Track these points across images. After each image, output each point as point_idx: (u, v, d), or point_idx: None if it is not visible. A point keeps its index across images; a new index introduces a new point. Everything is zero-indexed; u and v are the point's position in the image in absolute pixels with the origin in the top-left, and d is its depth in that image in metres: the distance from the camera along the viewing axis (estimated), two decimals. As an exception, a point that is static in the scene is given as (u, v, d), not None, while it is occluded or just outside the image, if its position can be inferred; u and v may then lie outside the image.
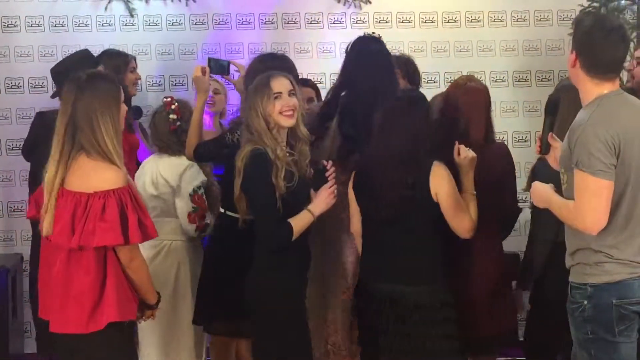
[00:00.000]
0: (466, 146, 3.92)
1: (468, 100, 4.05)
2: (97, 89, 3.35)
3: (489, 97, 4.14)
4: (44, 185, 3.37)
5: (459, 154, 3.88)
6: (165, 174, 4.25)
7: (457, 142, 3.90)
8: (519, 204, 4.21)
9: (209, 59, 4.48)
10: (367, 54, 4.33)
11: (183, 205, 4.23)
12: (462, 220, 3.80)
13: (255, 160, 3.74)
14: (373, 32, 4.55)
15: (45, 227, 3.33)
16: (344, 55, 4.48)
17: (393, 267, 3.81)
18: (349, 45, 4.43)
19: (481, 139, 4.02)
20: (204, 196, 4.26)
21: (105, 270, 3.33)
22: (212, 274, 4.26)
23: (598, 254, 3.26)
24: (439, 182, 3.78)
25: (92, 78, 3.40)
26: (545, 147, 3.51)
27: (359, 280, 3.99)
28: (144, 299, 3.49)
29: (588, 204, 3.18)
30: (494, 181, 3.97)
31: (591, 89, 3.28)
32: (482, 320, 3.95)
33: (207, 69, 4.35)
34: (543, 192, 3.43)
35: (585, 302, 3.30)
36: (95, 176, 3.28)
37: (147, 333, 4.29)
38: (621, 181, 3.21)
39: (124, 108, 3.47)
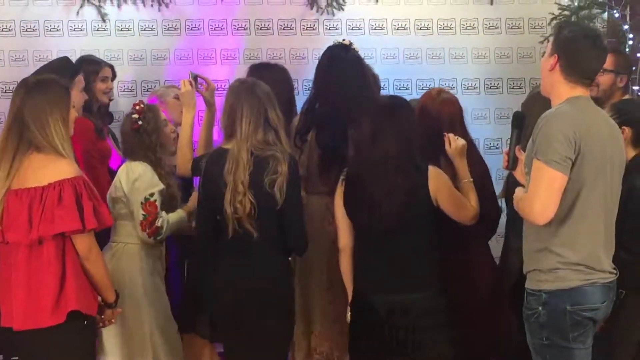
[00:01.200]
0: (447, 154, 4.00)
1: (445, 111, 4.13)
2: (47, 91, 3.49)
3: (461, 106, 4.22)
4: None
5: (449, 145, 3.93)
6: (121, 178, 4.26)
7: (445, 134, 3.99)
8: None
9: (193, 73, 4.48)
10: (337, 63, 4.36)
11: (136, 214, 4.22)
12: (465, 213, 3.87)
13: (297, 168, 3.81)
14: (343, 40, 4.56)
15: None
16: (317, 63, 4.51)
17: (396, 276, 3.80)
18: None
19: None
20: (157, 203, 4.22)
21: (64, 264, 3.43)
22: (197, 281, 4.29)
23: (552, 258, 3.34)
24: (438, 185, 3.81)
25: (42, 82, 3.55)
26: (512, 163, 3.59)
27: (355, 293, 3.95)
28: (102, 295, 3.59)
29: (539, 193, 3.26)
30: (476, 185, 4.03)
31: (565, 92, 3.39)
32: (478, 326, 4.00)
33: (194, 83, 4.38)
34: (516, 193, 3.50)
35: (540, 308, 3.37)
36: (48, 169, 3.40)
37: (107, 339, 4.25)
38: (579, 181, 3.30)
39: (73, 114, 3.60)
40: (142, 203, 4.18)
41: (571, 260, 3.33)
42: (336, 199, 3.96)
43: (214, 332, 4.22)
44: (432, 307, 3.80)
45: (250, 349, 3.80)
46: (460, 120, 4.18)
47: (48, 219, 3.36)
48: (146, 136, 4.26)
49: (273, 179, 3.68)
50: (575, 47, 3.37)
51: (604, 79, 4.65)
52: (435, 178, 3.81)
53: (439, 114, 4.12)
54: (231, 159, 3.72)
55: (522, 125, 3.63)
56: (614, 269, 3.44)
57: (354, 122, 4.08)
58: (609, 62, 4.60)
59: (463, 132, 4.14)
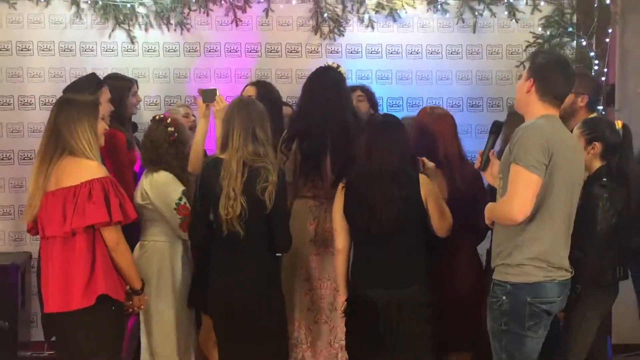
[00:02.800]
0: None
1: (440, 125, 4.34)
2: (76, 102, 3.76)
3: (454, 120, 4.43)
4: (29, 186, 3.76)
5: (423, 166, 4.14)
6: (146, 189, 4.41)
7: (418, 158, 4.16)
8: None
9: (209, 90, 4.53)
10: (315, 84, 4.57)
11: (172, 220, 4.35)
12: (445, 221, 4.02)
13: (285, 179, 4.01)
14: (333, 62, 4.71)
15: (27, 217, 3.74)
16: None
17: (390, 273, 3.96)
18: None
19: (457, 157, 4.33)
20: (187, 204, 4.33)
21: (94, 254, 3.68)
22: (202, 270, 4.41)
23: (519, 254, 3.50)
24: (428, 191, 3.99)
25: (73, 97, 3.84)
26: (485, 164, 3.77)
27: (353, 289, 4.11)
28: (129, 283, 3.82)
29: (517, 193, 3.41)
30: (470, 197, 4.23)
31: (539, 110, 3.58)
32: (457, 321, 4.20)
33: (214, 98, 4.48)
34: (487, 207, 3.69)
35: (504, 298, 3.55)
36: (80, 170, 3.66)
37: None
38: (548, 185, 3.49)
39: (102, 124, 3.89)
40: (175, 209, 4.32)
41: (535, 255, 3.48)
42: (335, 205, 4.10)
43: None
44: (421, 301, 3.95)
45: (244, 338, 4.05)
46: (453, 134, 4.36)
47: (80, 212, 3.59)
48: (181, 147, 4.42)
49: (264, 187, 3.92)
50: (548, 73, 3.57)
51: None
52: (426, 184, 3.99)
53: (434, 128, 4.31)
54: (225, 168, 3.96)
55: (499, 132, 3.83)
56: (570, 267, 3.62)
57: (329, 134, 4.40)
58: None
59: (457, 145, 4.34)
